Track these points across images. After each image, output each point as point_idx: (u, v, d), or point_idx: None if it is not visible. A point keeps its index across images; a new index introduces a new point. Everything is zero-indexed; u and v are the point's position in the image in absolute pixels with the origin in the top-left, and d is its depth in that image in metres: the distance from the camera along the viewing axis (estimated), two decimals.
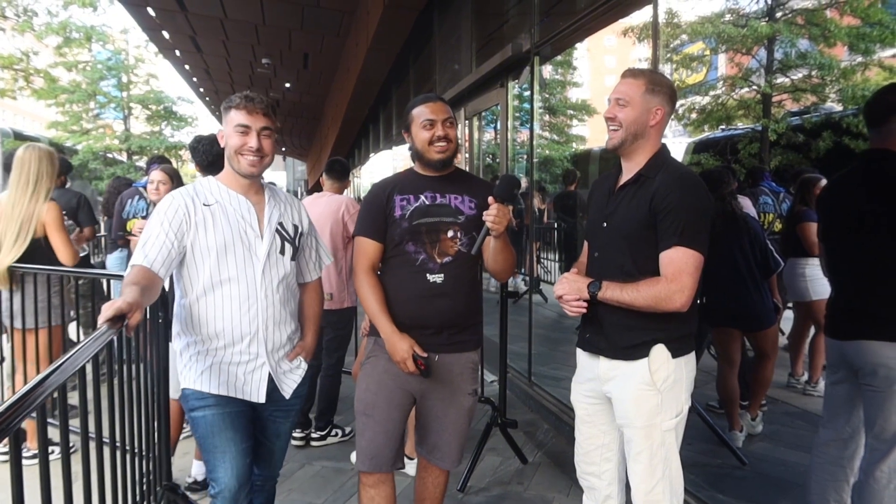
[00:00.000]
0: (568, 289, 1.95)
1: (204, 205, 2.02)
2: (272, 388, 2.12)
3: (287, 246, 2.14)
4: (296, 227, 2.21)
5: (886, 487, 2.16)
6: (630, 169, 1.99)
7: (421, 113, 2.23)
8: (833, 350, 2.38)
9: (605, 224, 2.01)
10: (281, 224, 2.14)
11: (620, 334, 1.95)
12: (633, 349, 1.93)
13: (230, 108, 2.03)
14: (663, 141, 2.01)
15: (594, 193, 2.18)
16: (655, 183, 1.89)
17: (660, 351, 1.90)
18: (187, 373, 2.06)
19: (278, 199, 2.19)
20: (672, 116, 2.03)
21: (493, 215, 2.05)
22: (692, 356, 1.99)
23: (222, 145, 2.07)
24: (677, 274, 1.81)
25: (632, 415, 1.94)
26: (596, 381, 2.06)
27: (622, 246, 1.95)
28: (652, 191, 1.88)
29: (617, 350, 1.96)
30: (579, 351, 2.17)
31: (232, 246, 2.01)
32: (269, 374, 2.10)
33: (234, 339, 2.03)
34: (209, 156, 3.22)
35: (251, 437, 2.14)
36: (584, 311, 1.94)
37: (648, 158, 1.95)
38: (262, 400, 2.10)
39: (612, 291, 1.88)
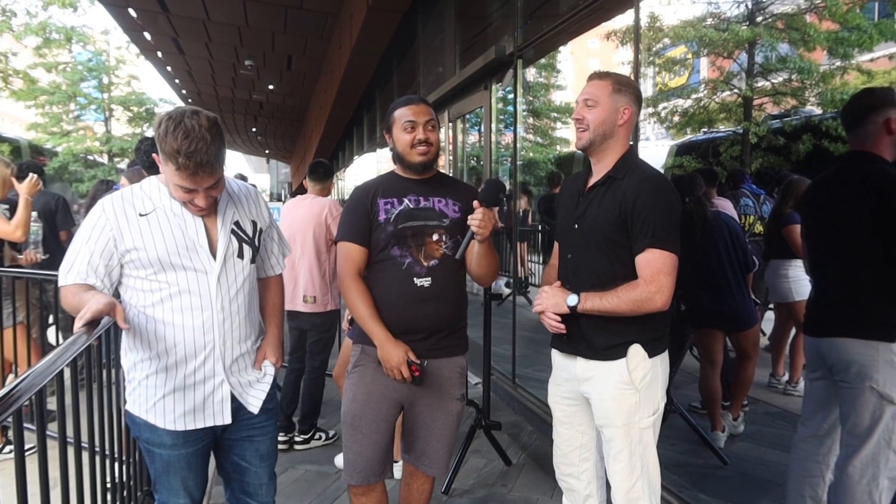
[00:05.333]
0: (547, 304, 1.95)
1: (140, 215, 1.77)
2: (237, 405, 1.91)
3: (245, 248, 1.90)
4: (254, 224, 1.96)
5: (859, 483, 2.19)
6: (599, 170, 2.01)
7: (402, 115, 2.17)
8: (810, 348, 2.43)
9: (576, 225, 2.03)
10: (237, 224, 1.89)
11: (598, 335, 1.95)
12: (610, 350, 1.94)
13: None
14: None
15: (563, 194, 2.20)
16: (623, 185, 1.91)
17: (636, 350, 1.92)
18: (137, 398, 1.84)
19: (232, 195, 1.92)
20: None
21: (479, 220, 2.02)
22: (666, 354, 2.02)
23: None
24: (655, 275, 1.84)
25: (612, 414, 1.95)
26: (573, 382, 2.08)
27: (594, 247, 1.97)
28: (621, 193, 1.90)
29: (595, 351, 1.97)
30: (555, 352, 2.18)
31: (177, 255, 1.76)
32: (231, 391, 1.89)
33: (188, 356, 1.80)
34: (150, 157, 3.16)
35: (207, 463, 1.98)
36: (562, 330, 1.96)
37: (617, 160, 1.97)
38: (229, 420, 1.89)
39: (592, 302, 1.88)
